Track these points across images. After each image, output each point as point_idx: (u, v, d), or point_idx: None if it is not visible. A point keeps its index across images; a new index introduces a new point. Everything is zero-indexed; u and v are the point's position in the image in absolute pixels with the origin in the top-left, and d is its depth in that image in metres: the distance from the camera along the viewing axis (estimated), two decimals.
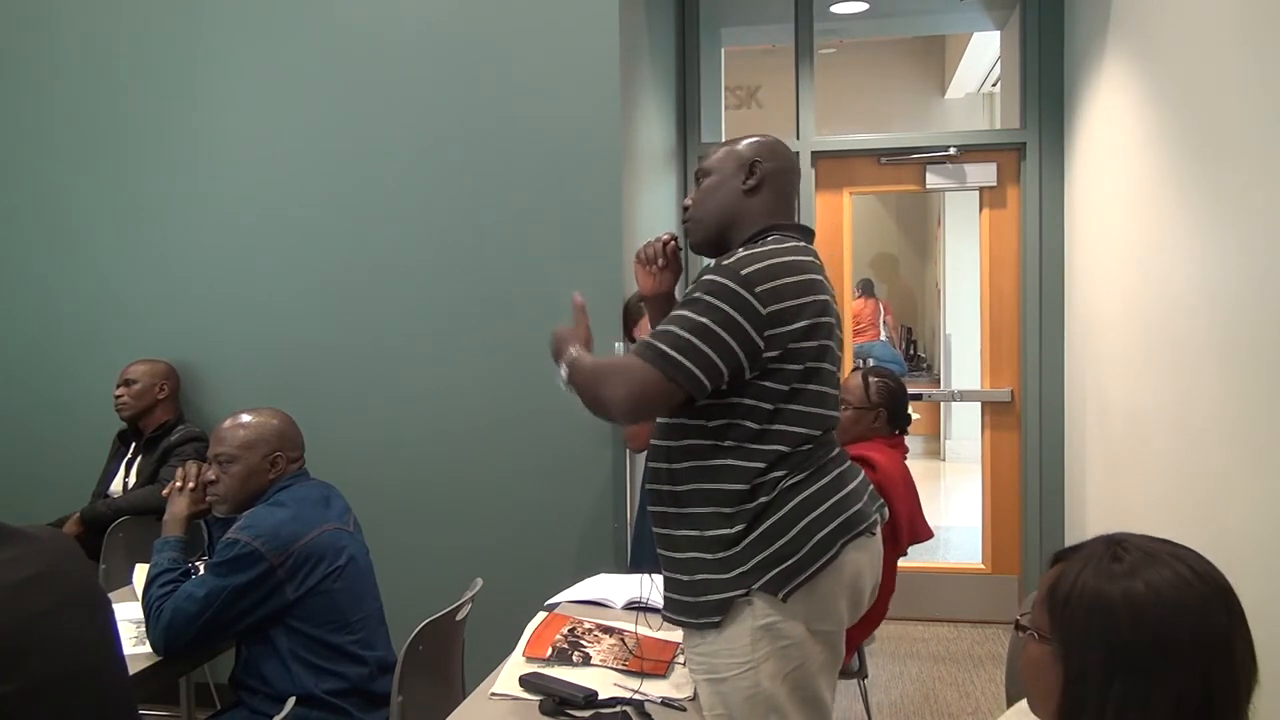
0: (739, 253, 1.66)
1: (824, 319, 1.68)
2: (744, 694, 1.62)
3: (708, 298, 1.60)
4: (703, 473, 1.66)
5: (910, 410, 2.94)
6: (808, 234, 1.79)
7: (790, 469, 1.64)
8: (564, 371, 1.71)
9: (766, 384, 1.63)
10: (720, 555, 1.63)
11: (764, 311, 1.60)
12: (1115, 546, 1.08)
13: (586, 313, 1.83)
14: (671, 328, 1.60)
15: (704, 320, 1.58)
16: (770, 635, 1.61)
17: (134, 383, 3.32)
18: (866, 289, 7.88)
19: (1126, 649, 1.02)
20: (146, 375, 3.34)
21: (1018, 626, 1.14)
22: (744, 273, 1.61)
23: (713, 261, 1.69)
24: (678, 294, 1.87)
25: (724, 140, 1.88)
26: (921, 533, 2.74)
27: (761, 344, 1.60)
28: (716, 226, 1.80)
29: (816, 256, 1.74)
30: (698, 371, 1.58)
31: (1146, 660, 1.01)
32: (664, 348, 1.58)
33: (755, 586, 1.61)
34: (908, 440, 2.93)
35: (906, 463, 2.85)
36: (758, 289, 1.60)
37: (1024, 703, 1.32)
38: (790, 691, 1.64)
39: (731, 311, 1.58)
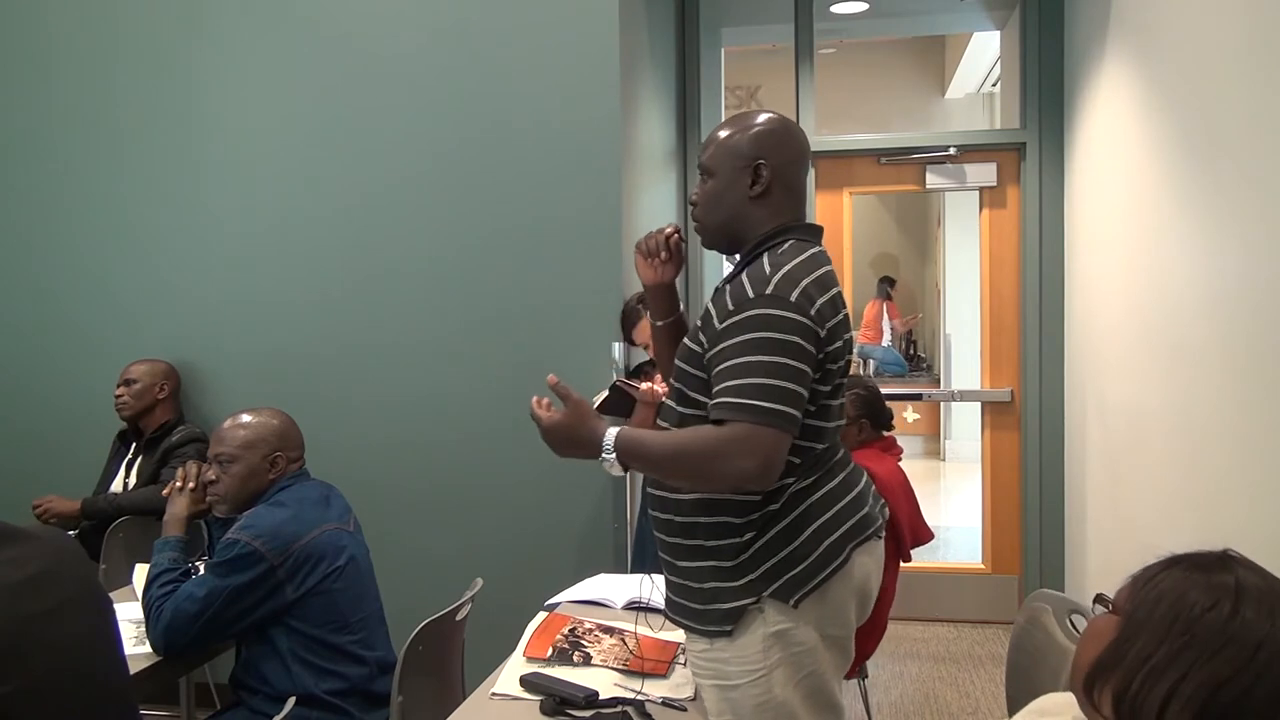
0: (768, 269, 1.58)
1: (850, 334, 1.67)
2: (755, 701, 1.59)
3: (774, 335, 1.52)
4: None
5: (891, 406, 2.93)
6: (819, 234, 1.73)
7: (799, 475, 1.62)
8: (612, 456, 1.58)
9: None
10: (730, 563, 1.61)
11: (822, 334, 1.56)
12: (1226, 557, 1.07)
13: (566, 387, 1.64)
14: (758, 379, 1.50)
15: (783, 360, 1.51)
16: (782, 642, 1.59)
17: (134, 382, 3.32)
18: (881, 290, 7.92)
19: (1191, 623, 1.00)
20: (147, 375, 3.34)
21: (1098, 600, 1.13)
22: (794, 298, 1.54)
23: (746, 283, 1.58)
24: (679, 286, 1.82)
25: (722, 122, 1.76)
26: (923, 536, 2.76)
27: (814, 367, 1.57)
28: (724, 231, 1.72)
29: (830, 260, 1.68)
30: (800, 415, 1.53)
31: (1205, 638, 0.99)
32: (768, 404, 1.48)
33: (766, 594, 1.58)
34: (906, 440, 2.94)
35: (903, 464, 2.87)
36: (812, 312, 1.55)
37: (1036, 702, 1.31)
38: (804, 698, 1.62)
39: (801, 341, 1.53)
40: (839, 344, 1.61)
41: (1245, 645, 0.98)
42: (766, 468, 1.50)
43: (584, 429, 1.61)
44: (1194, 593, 1.02)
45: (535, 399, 1.66)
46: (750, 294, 1.56)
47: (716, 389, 1.54)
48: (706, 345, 1.61)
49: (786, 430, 1.50)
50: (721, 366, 1.54)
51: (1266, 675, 0.97)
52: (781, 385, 1.50)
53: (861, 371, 7.55)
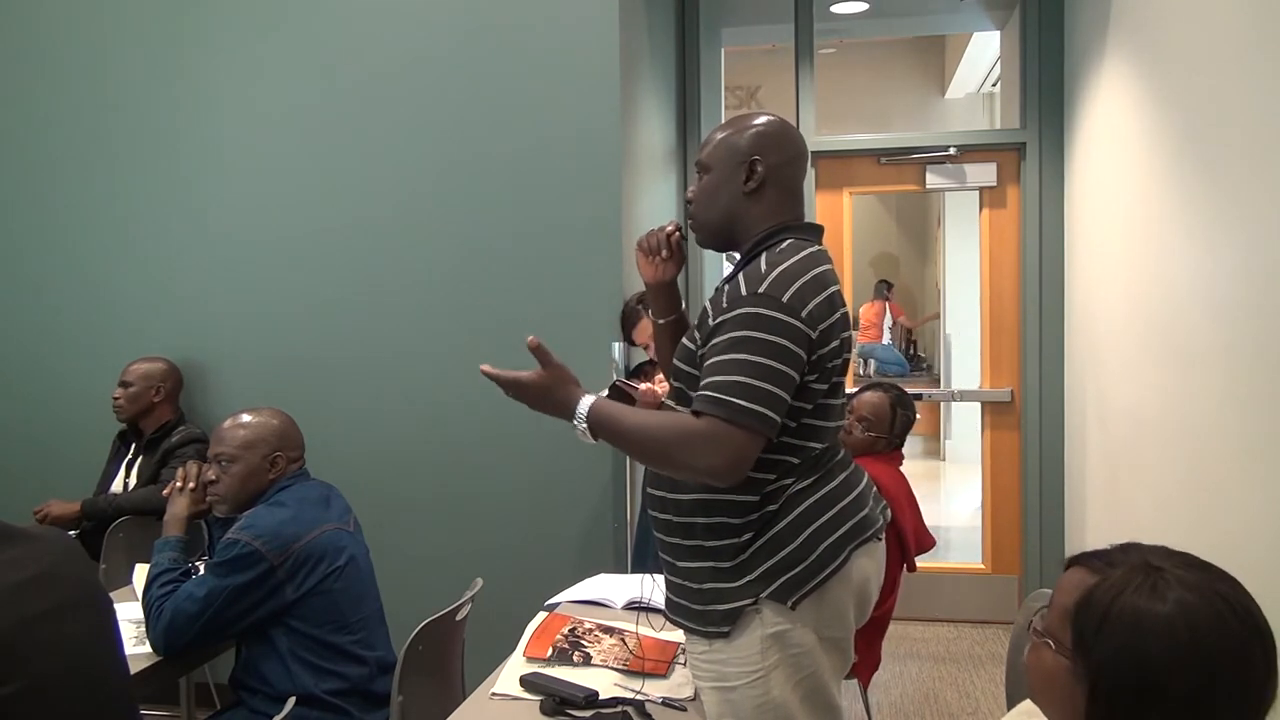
0: (764, 268, 1.58)
1: (847, 333, 1.66)
2: (754, 703, 1.59)
3: (762, 335, 1.52)
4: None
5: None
6: (819, 233, 1.72)
7: (797, 476, 1.62)
8: (583, 426, 1.59)
9: (793, 402, 1.57)
10: (728, 564, 1.60)
11: (814, 336, 1.56)
12: (1155, 574, 1.04)
13: (546, 349, 1.68)
14: (739, 378, 1.50)
15: (767, 362, 1.51)
16: (780, 643, 1.59)
17: (130, 385, 3.29)
18: (879, 291, 7.94)
19: (1162, 691, 1.00)
20: (142, 379, 3.31)
21: (1031, 629, 1.12)
22: (786, 299, 1.54)
23: (741, 281, 1.59)
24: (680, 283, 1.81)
25: (722, 123, 1.76)
26: (925, 543, 2.79)
27: (808, 369, 1.57)
28: (720, 229, 1.73)
29: (829, 258, 1.68)
30: (778, 418, 1.52)
31: (1180, 704, 0.99)
32: (745, 403, 1.49)
33: (764, 595, 1.58)
34: (906, 440, 2.95)
35: (904, 468, 2.88)
36: (803, 314, 1.54)
37: (1023, 704, 1.31)
38: (802, 699, 1.62)
39: (789, 344, 1.53)
40: (835, 343, 1.61)
41: (1219, 706, 0.99)
42: (733, 466, 1.51)
43: (560, 392, 1.63)
44: (1157, 652, 1.00)
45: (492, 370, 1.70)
46: (744, 292, 1.57)
47: (701, 383, 1.55)
48: (700, 343, 1.61)
49: (759, 431, 1.50)
50: (709, 361, 1.55)
51: (1232, 695, 1.00)
52: (762, 386, 1.50)
53: (862, 371, 7.56)
